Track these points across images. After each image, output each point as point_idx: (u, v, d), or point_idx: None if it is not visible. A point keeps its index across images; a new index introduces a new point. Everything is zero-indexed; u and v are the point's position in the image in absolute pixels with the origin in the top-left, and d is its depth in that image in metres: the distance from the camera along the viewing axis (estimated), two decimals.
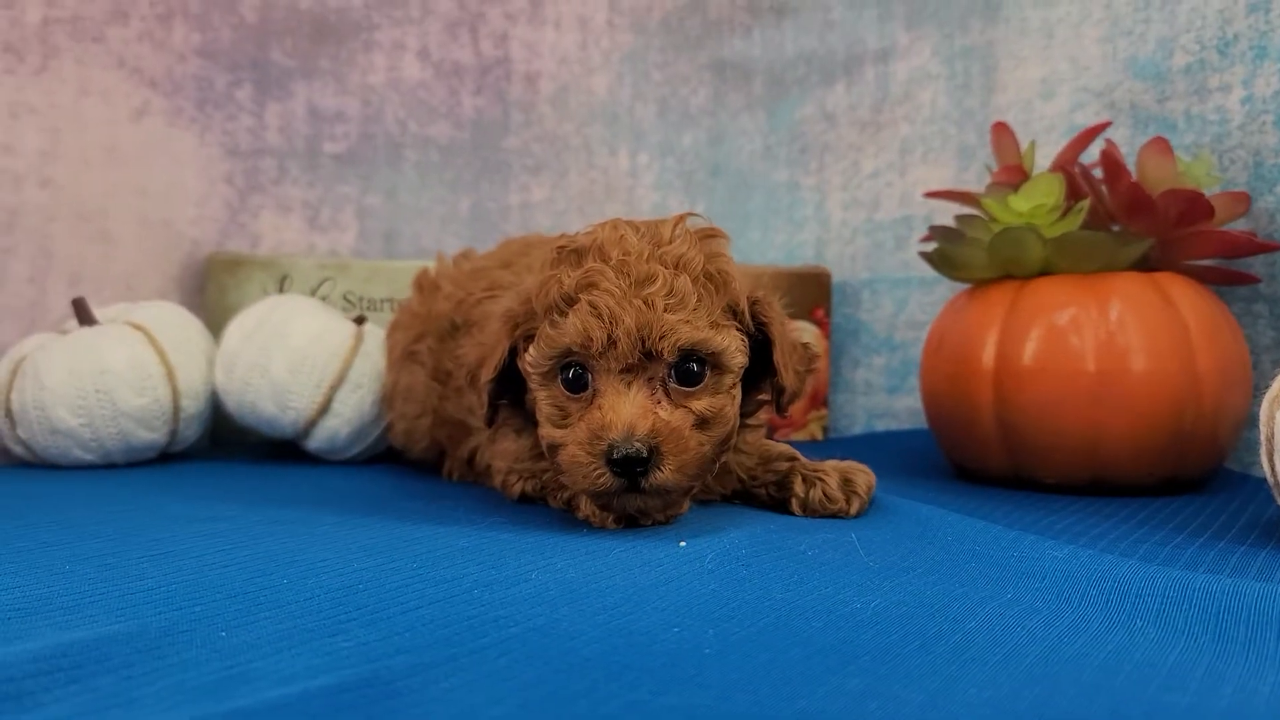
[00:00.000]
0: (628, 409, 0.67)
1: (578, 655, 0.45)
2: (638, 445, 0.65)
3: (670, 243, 0.70)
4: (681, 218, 0.72)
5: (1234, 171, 1.02)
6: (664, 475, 0.66)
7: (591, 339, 0.67)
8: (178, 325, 1.03)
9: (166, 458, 1.04)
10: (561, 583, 0.56)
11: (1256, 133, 1.00)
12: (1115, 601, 0.53)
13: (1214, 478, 0.96)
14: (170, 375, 1.00)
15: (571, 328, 0.68)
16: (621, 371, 0.68)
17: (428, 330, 0.94)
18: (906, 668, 0.43)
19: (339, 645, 0.46)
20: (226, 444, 1.14)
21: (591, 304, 0.67)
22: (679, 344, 0.68)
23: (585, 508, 0.73)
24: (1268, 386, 0.97)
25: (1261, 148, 1.00)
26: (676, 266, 0.69)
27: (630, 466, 0.66)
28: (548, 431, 0.70)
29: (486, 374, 0.75)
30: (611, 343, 0.67)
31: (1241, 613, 0.50)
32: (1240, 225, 0.99)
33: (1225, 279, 0.97)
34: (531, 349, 0.71)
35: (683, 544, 0.66)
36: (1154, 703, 0.39)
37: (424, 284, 0.99)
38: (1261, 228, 0.99)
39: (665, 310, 0.67)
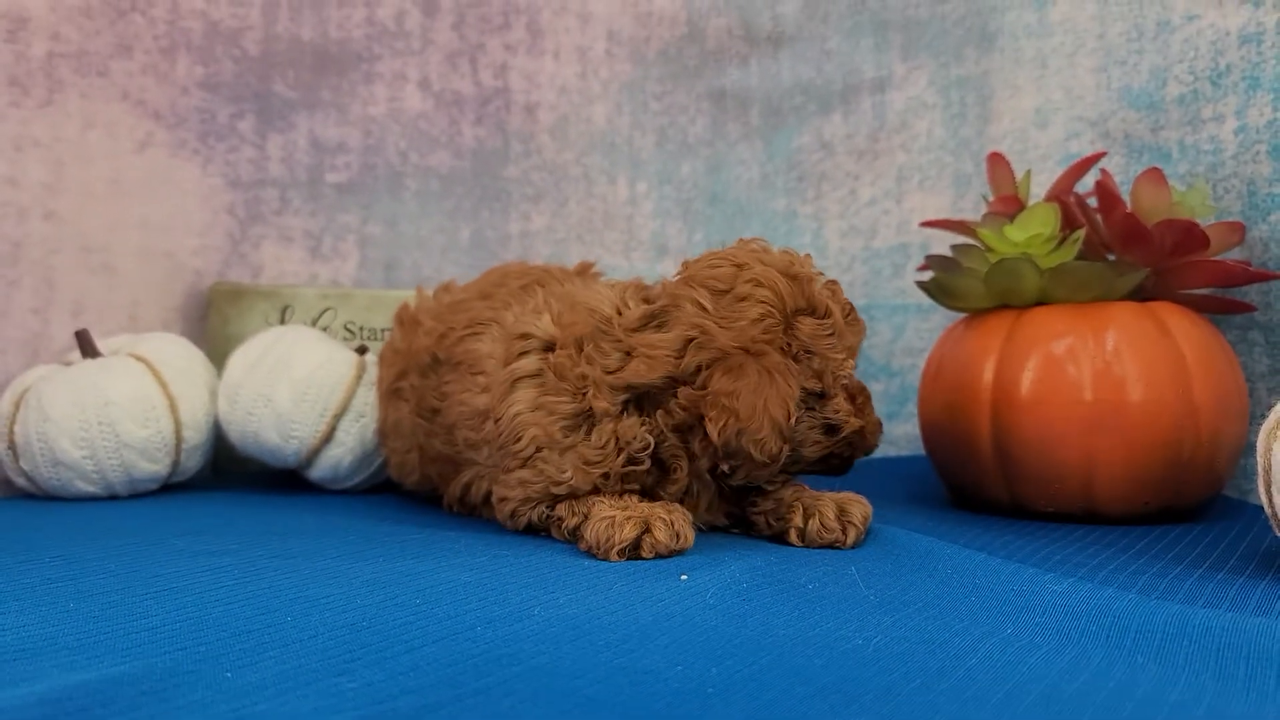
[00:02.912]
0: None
1: (581, 695, 0.45)
2: None
3: None
4: None
5: (1228, 201, 1.03)
6: None
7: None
8: (180, 357, 1.04)
9: (168, 488, 1.04)
10: (564, 619, 0.57)
11: (1250, 162, 1.01)
12: (1115, 637, 0.53)
13: (1211, 506, 0.96)
14: (173, 407, 1.00)
15: (862, 331, 0.80)
16: None
17: (409, 367, 0.94)
18: (909, 708, 0.44)
19: (344, 686, 0.46)
20: (226, 474, 1.14)
21: (850, 308, 0.80)
22: None
23: (590, 538, 0.73)
24: (1264, 415, 0.98)
25: (1255, 177, 1.01)
26: None
27: None
28: (855, 422, 0.80)
29: (791, 415, 0.74)
30: None
31: (1241, 649, 0.50)
32: (1234, 254, 1.00)
33: (1220, 308, 0.97)
34: (850, 361, 0.78)
35: (684, 577, 0.66)
36: None
37: (404, 319, 0.99)
38: (1256, 256, 1.00)
39: None
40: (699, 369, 0.74)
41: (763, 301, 0.74)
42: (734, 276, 0.76)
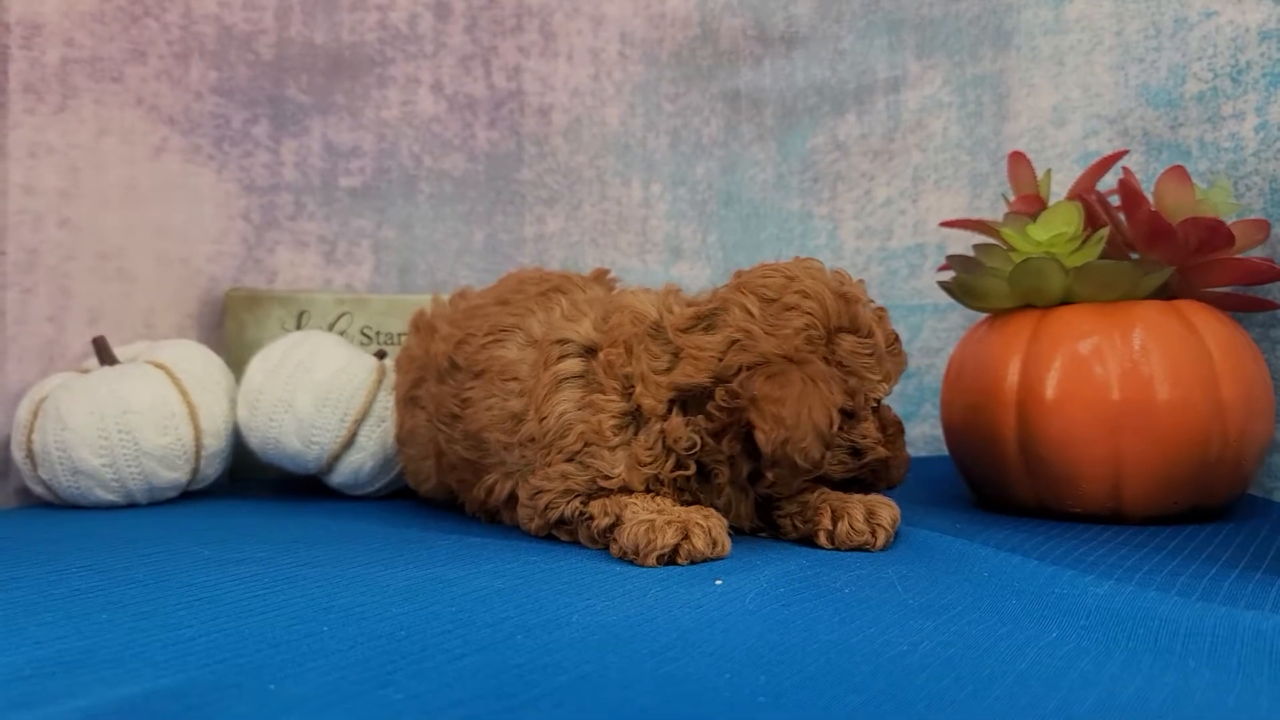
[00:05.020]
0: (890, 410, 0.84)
1: (635, 705, 0.44)
2: None
3: None
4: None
5: (1249, 198, 1.03)
6: None
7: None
8: (199, 363, 1.03)
9: (187, 496, 1.04)
10: (604, 626, 0.56)
11: (1271, 159, 1.01)
12: (1164, 641, 0.53)
13: (1238, 505, 0.96)
14: (192, 414, 1.00)
15: (902, 361, 0.82)
16: None
17: (427, 374, 0.94)
18: (965, 715, 0.43)
19: (391, 698, 0.46)
20: (244, 481, 1.14)
21: (894, 338, 0.82)
22: None
23: (626, 541, 0.73)
24: None
25: (1277, 174, 1.00)
26: None
27: None
28: (882, 451, 0.80)
29: (834, 426, 0.74)
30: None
31: None
32: (1258, 252, 1.00)
33: (1245, 305, 0.97)
34: (884, 385, 0.79)
35: (719, 582, 0.66)
36: None
37: (420, 326, 0.99)
38: (1278, 254, 0.99)
39: None
40: (739, 370, 0.74)
41: (809, 313, 0.76)
42: (784, 287, 0.77)
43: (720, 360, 0.75)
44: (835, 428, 0.73)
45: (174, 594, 0.63)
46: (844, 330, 0.77)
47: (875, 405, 0.80)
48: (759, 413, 0.72)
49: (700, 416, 0.76)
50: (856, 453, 0.80)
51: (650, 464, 0.77)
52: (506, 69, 1.34)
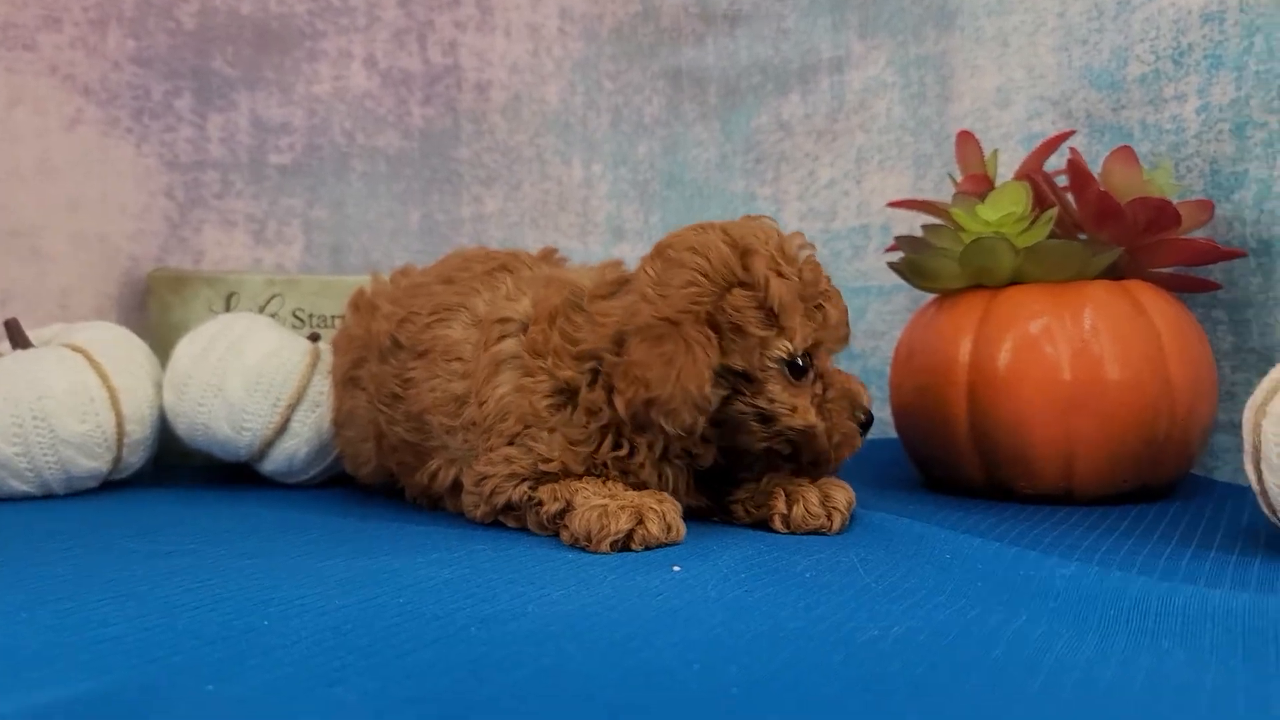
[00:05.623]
0: (856, 382, 0.78)
1: (601, 700, 0.42)
2: (870, 411, 0.78)
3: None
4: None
5: (1190, 180, 1.03)
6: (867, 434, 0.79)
7: (840, 324, 0.76)
8: (120, 346, 0.98)
9: (109, 486, 0.99)
10: (561, 617, 0.54)
11: (1213, 141, 1.01)
12: (1136, 621, 0.52)
13: (1182, 484, 0.96)
14: (114, 399, 0.95)
15: (830, 317, 0.75)
16: (828, 353, 0.77)
17: (367, 353, 0.90)
18: (948, 705, 0.42)
19: (340, 697, 0.43)
20: (170, 469, 1.09)
21: (830, 294, 0.76)
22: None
23: (578, 527, 0.70)
24: (1229, 393, 0.99)
25: (1218, 156, 1.01)
26: None
27: (866, 430, 0.79)
28: (797, 420, 0.74)
29: (704, 388, 0.70)
30: (843, 327, 0.77)
31: (1267, 631, 0.49)
32: (1201, 233, 1.00)
33: (1188, 286, 0.97)
34: (784, 343, 0.73)
35: (677, 569, 0.64)
36: None
37: (360, 304, 0.95)
38: (1219, 235, 1.00)
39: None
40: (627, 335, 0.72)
41: (694, 269, 0.72)
42: (683, 244, 0.74)
43: (619, 326, 0.73)
44: (705, 389, 0.70)
45: (98, 590, 0.59)
46: (736, 285, 0.72)
47: (799, 366, 0.74)
48: (621, 374, 0.71)
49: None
50: (765, 419, 0.74)
51: (582, 442, 0.74)
52: (442, 44, 1.30)
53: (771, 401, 0.73)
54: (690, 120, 1.39)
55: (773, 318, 0.72)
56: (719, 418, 0.74)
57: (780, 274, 0.73)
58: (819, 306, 0.74)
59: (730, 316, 0.72)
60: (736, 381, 0.73)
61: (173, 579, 0.62)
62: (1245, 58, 0.97)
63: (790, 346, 0.73)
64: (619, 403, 0.71)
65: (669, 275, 0.73)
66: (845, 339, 0.77)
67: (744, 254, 0.73)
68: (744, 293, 0.72)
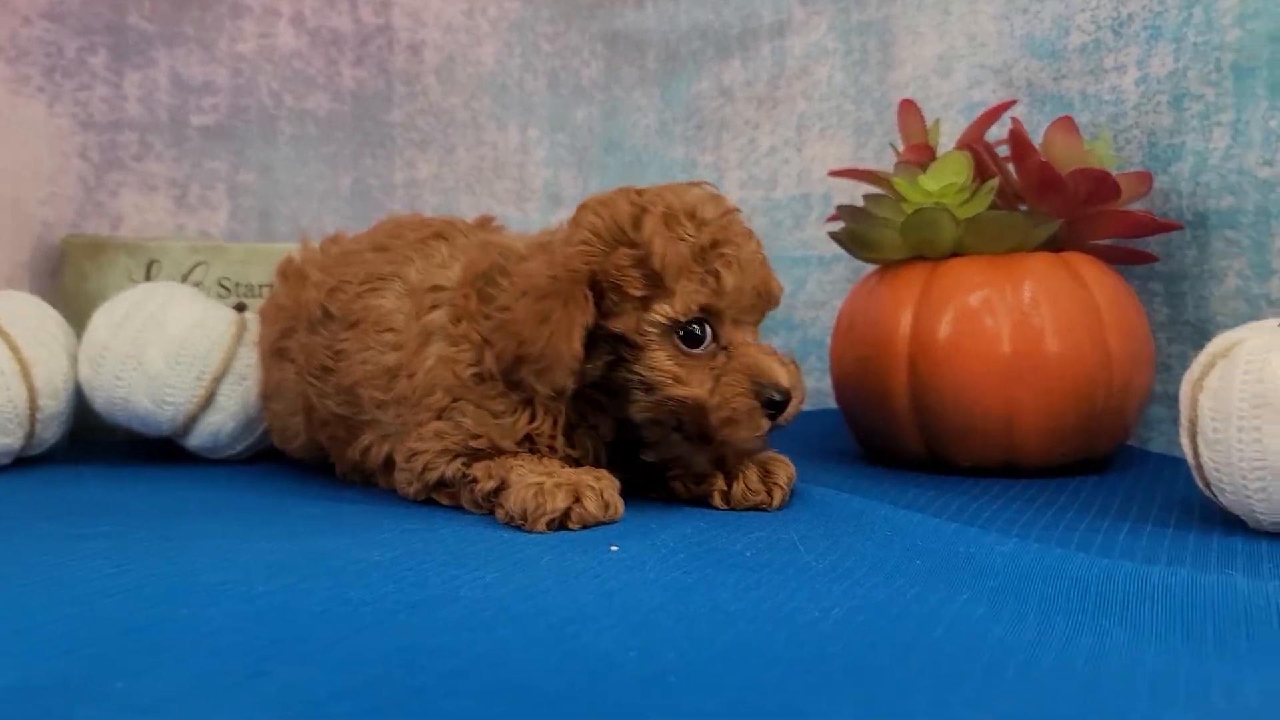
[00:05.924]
0: (770, 357, 0.70)
1: (536, 689, 0.40)
2: (785, 389, 0.69)
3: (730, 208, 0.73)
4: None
5: (1129, 151, 1.03)
6: (787, 415, 0.70)
7: (742, 291, 0.69)
8: (32, 316, 0.94)
9: (21, 463, 0.95)
10: (496, 600, 0.52)
11: (1151, 112, 1.02)
12: (1076, 600, 0.51)
13: (1117, 456, 0.97)
14: (25, 372, 0.90)
15: (726, 282, 0.69)
16: (738, 325, 0.71)
17: (296, 324, 0.87)
18: (889, 687, 0.41)
19: (263, 690, 0.40)
20: (88, 444, 1.05)
21: (732, 258, 0.69)
22: (778, 297, 0.73)
23: (514, 505, 0.68)
24: (1166, 365, 1.00)
25: (1156, 128, 1.01)
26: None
27: (778, 411, 0.69)
28: (679, 390, 0.69)
29: (574, 347, 0.67)
30: (748, 295, 0.70)
31: (1205, 609, 0.49)
32: (1139, 205, 1.01)
33: (1125, 258, 0.98)
34: (665, 306, 0.68)
35: (614, 548, 0.62)
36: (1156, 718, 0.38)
37: (289, 273, 0.91)
38: (1157, 207, 1.01)
39: (766, 266, 0.72)
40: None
41: (588, 228, 0.70)
42: (594, 203, 0.73)
43: (523, 286, 0.71)
44: (576, 348, 0.67)
45: (8, 576, 0.56)
46: (625, 245, 0.69)
47: (695, 334, 0.69)
48: (497, 328, 0.70)
49: None
50: (648, 388, 0.70)
51: (504, 414, 0.72)
52: (374, 2, 1.26)
53: (652, 369, 0.69)
54: (629, 85, 1.36)
55: (656, 279, 0.68)
56: (607, 385, 0.71)
57: (676, 236, 0.68)
58: (715, 272, 0.69)
59: (611, 276, 0.69)
60: (618, 346, 0.70)
61: (90, 564, 0.59)
62: (1184, 29, 0.98)
63: (671, 310, 0.68)
64: (488, 356, 0.70)
65: (571, 234, 0.71)
66: (754, 309, 0.71)
67: (639, 213, 0.69)
68: (629, 252, 0.68)
